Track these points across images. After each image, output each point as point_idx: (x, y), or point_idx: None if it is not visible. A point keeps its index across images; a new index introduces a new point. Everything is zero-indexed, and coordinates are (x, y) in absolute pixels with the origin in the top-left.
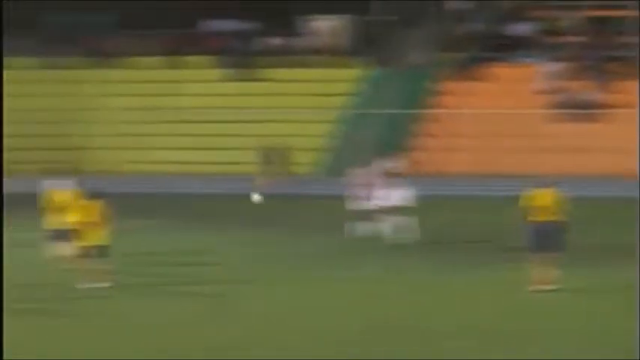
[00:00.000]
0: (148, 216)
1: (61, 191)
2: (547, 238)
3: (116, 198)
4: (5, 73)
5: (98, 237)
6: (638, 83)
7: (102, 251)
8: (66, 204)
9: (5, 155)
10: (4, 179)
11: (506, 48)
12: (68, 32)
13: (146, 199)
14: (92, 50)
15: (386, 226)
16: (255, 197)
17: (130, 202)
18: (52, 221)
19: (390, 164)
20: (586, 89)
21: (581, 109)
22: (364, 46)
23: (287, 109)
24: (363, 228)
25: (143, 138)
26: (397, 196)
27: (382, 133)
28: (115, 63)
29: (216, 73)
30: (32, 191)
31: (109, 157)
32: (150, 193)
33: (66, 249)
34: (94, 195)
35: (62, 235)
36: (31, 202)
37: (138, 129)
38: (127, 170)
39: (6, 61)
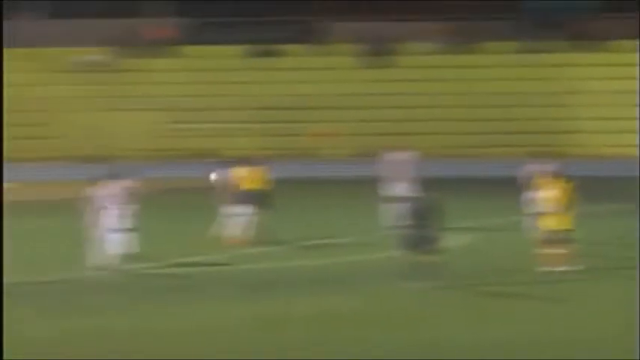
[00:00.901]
0: (613, 200)
1: (543, 175)
2: None
3: (588, 181)
4: (484, 57)
5: (566, 221)
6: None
7: (568, 235)
8: (546, 187)
9: (482, 139)
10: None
11: None
12: (550, 16)
13: (618, 183)
14: (575, 33)
15: None
16: (212, 176)
17: (603, 186)
18: (534, 205)
19: None
20: None
21: None
22: None
23: None
24: None
25: (623, 122)
26: None
27: None
28: (597, 46)
29: None
30: (515, 175)
31: (590, 141)
32: (620, 177)
33: (537, 232)
34: (568, 178)
35: (539, 218)
36: (514, 185)
37: (619, 112)
38: (606, 154)
39: (484, 45)
